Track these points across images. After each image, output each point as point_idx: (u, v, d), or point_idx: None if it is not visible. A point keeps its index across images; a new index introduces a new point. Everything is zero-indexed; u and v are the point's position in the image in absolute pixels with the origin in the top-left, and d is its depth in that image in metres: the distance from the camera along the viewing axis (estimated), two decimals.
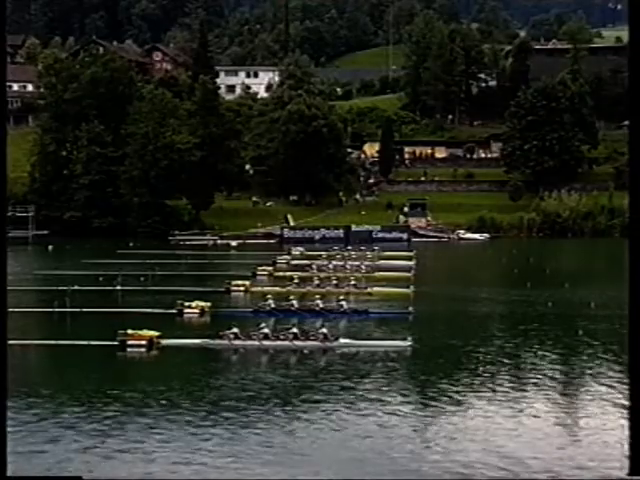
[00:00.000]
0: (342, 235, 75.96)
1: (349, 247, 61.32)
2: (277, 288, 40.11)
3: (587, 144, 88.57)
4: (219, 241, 73.41)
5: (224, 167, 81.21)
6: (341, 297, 35.38)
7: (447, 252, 70.95)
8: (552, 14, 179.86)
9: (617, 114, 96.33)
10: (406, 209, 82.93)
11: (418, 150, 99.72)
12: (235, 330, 27.52)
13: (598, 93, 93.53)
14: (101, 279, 43.63)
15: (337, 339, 27.60)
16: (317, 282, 41.33)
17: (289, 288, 39.77)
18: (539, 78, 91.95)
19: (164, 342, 27.47)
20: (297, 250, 62.48)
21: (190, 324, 32.74)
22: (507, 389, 22.23)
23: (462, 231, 77.36)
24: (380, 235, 75.66)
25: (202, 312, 34.15)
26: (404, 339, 27.26)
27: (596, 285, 43.32)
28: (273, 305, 33.88)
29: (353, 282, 41.39)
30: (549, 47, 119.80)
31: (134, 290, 40.22)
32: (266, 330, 27.70)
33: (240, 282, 41.77)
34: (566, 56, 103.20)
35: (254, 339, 27.45)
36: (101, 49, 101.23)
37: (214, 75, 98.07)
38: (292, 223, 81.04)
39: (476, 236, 76.05)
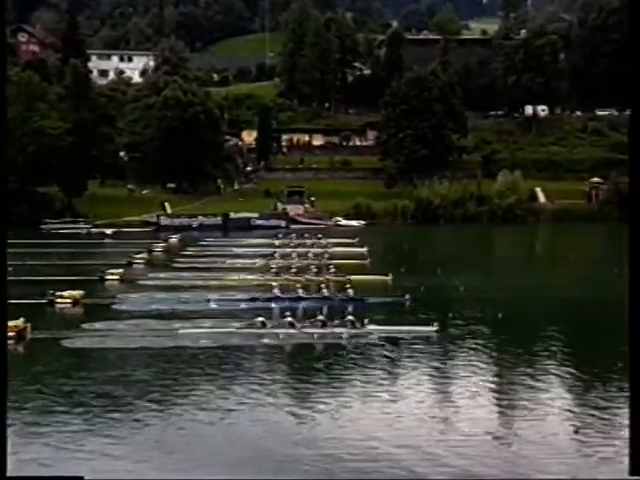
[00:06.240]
0: (220, 223, 75.69)
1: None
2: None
3: (457, 133, 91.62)
4: (93, 229, 71.42)
5: (97, 153, 79.02)
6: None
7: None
8: (423, 5, 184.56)
9: (484, 104, 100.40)
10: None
11: (295, 138, 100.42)
12: (261, 319, 27.39)
13: (466, 84, 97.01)
14: None
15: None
16: (295, 271, 40.67)
17: (267, 276, 39.43)
18: (412, 68, 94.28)
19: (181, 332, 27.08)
20: (174, 238, 61.87)
21: (62, 314, 31.81)
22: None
23: (340, 218, 78.56)
24: (259, 222, 75.81)
25: (75, 302, 33.25)
26: (430, 324, 27.49)
27: (465, 270, 45.12)
28: (276, 293, 33.75)
29: (333, 271, 40.58)
30: (421, 37, 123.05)
31: None
32: (290, 319, 27.53)
33: (115, 271, 41.11)
34: (437, 47, 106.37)
35: (281, 327, 27.36)
36: None
37: (85, 58, 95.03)
38: (169, 211, 79.87)
39: (353, 223, 77.35)
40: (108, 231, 69.65)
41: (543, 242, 74.37)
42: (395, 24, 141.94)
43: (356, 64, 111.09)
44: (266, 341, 26.98)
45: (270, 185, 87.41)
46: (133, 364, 24.30)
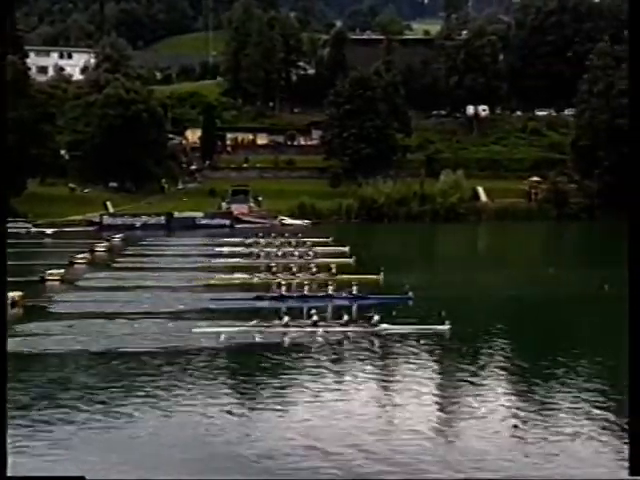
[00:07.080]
0: (164, 222, 75.05)
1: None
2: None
3: (401, 132, 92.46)
4: (33, 229, 69.89)
5: (37, 152, 77.39)
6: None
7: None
8: (365, 5, 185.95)
9: (427, 104, 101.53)
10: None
11: (240, 137, 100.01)
12: (286, 318, 27.53)
13: (409, 83, 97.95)
14: None
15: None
16: (294, 269, 40.55)
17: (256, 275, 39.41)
18: (355, 67, 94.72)
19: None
20: (117, 237, 61.13)
21: None
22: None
23: (284, 217, 78.53)
24: (203, 222, 75.44)
25: (13, 303, 32.47)
26: (443, 323, 27.62)
27: (409, 268, 45.59)
28: (279, 291, 33.68)
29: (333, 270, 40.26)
30: (364, 37, 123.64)
31: None
32: (315, 317, 27.71)
33: (55, 271, 40.43)
34: (380, 47, 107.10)
35: (303, 325, 27.54)
36: None
37: (23, 55, 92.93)
38: (111, 210, 78.79)
39: (298, 222, 77.40)
40: (48, 231, 68.32)
41: (484, 241, 75.57)
42: (339, 24, 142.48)
43: (300, 63, 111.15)
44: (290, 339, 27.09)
45: (215, 184, 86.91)
46: (66, 367, 23.78)
